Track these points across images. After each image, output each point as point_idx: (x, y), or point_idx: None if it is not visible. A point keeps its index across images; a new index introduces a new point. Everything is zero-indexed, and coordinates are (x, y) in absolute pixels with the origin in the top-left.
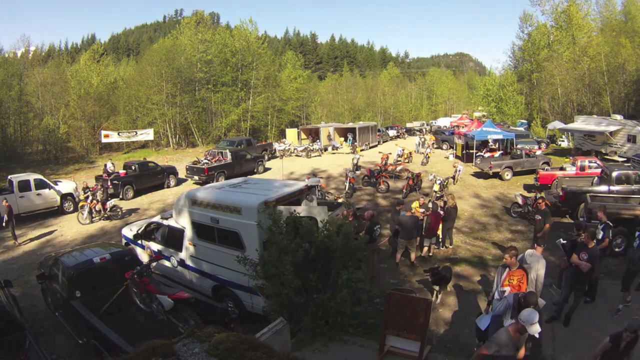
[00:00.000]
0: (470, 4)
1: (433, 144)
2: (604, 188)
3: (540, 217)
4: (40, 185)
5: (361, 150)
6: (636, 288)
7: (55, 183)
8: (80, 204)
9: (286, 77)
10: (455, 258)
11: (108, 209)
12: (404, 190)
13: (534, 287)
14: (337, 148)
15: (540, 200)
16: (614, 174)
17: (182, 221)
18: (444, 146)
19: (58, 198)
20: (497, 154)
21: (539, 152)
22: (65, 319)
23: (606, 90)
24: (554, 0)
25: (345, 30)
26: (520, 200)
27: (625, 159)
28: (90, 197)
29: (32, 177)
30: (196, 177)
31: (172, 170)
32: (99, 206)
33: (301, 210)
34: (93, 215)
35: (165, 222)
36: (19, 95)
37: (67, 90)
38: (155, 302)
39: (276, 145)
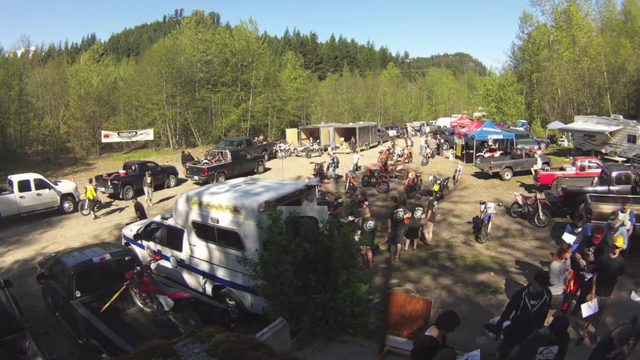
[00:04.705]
0: (470, 4)
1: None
2: (603, 188)
3: None
4: (40, 185)
5: (361, 150)
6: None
7: (55, 183)
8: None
9: (286, 77)
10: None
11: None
12: (404, 190)
13: None
14: (336, 148)
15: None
16: (614, 174)
17: (182, 221)
18: (444, 146)
19: (58, 198)
20: (497, 154)
21: (539, 152)
22: (65, 319)
23: (606, 90)
24: (554, 0)
25: (345, 30)
26: (520, 200)
27: (625, 159)
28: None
29: (32, 177)
30: (196, 177)
31: (172, 170)
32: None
33: (301, 210)
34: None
35: (165, 222)
36: (19, 95)
37: (67, 91)
38: (155, 302)
39: (277, 146)
